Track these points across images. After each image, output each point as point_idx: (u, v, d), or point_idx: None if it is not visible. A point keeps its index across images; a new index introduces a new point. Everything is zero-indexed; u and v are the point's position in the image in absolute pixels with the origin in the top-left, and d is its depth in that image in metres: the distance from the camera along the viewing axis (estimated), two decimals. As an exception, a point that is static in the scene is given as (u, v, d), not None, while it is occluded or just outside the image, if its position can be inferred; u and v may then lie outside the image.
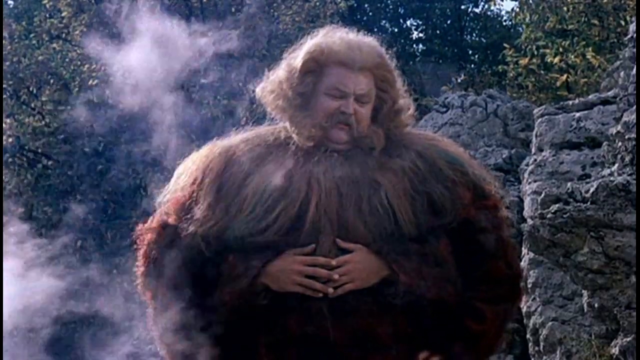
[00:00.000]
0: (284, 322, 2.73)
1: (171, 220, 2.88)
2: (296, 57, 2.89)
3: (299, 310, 2.71)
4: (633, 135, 6.20)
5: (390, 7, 22.24)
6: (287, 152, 2.85)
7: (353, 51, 2.85)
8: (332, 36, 2.89)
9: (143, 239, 2.93)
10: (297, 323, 2.72)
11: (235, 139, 2.94)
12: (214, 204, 2.80)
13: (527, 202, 7.36)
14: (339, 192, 2.77)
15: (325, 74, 2.85)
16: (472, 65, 20.60)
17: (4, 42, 14.38)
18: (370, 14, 21.94)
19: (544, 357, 7.08)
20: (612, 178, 6.13)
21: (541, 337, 7.12)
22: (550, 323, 7.07)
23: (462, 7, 21.93)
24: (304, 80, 2.86)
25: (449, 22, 21.99)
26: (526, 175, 7.55)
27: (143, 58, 3.15)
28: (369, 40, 2.91)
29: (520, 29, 15.83)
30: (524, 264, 7.42)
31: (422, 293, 2.73)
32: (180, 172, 2.93)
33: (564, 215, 6.18)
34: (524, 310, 7.37)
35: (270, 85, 2.92)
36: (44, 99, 14.59)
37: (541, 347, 7.12)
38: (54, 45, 15.54)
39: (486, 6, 21.83)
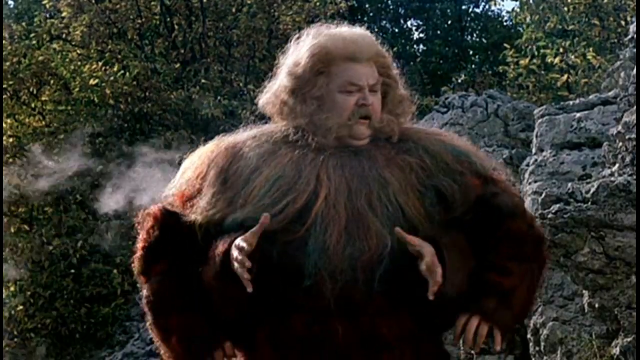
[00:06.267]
0: (288, 321, 2.71)
1: (175, 210, 2.88)
2: (298, 64, 2.87)
3: (305, 310, 2.69)
4: (633, 135, 6.20)
5: (391, 7, 22.24)
6: (296, 148, 2.84)
7: (355, 44, 2.85)
8: (327, 34, 2.88)
9: (143, 223, 2.93)
10: (302, 322, 2.69)
11: (241, 135, 2.93)
12: (217, 195, 2.80)
13: (527, 202, 7.34)
14: (348, 186, 2.76)
15: (334, 72, 2.84)
16: (473, 66, 20.60)
17: (4, 42, 14.37)
18: (371, 14, 21.95)
19: (545, 357, 7.07)
20: (612, 178, 6.12)
21: (542, 337, 7.11)
22: (550, 323, 7.07)
23: (463, 7, 21.94)
24: (317, 84, 2.84)
25: (449, 22, 21.99)
26: (527, 175, 7.54)
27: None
28: (361, 30, 2.92)
29: (520, 29, 15.85)
30: (524, 264, 7.41)
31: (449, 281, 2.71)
32: (186, 167, 2.93)
33: (565, 216, 6.18)
34: (524, 310, 7.36)
35: (276, 96, 2.90)
36: (44, 99, 14.58)
37: (542, 347, 7.11)
38: (54, 45, 15.55)
39: (487, 6, 21.86)
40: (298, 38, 2.93)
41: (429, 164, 2.83)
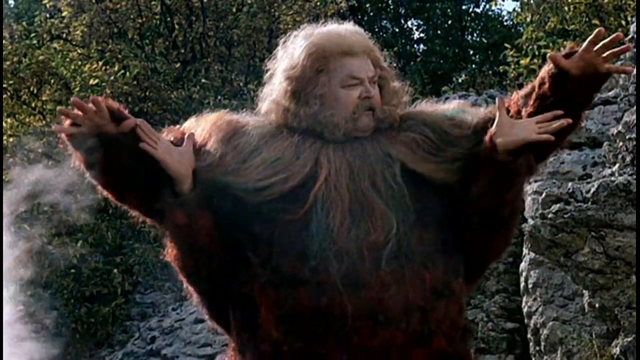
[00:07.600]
0: (295, 295, 2.68)
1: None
2: (294, 66, 2.88)
3: (311, 283, 2.67)
4: (634, 135, 6.20)
5: (391, 7, 22.23)
6: (297, 132, 2.86)
7: (349, 39, 2.88)
8: (318, 33, 2.90)
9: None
10: (308, 296, 2.67)
11: (246, 117, 2.96)
12: (215, 165, 2.79)
13: (528, 202, 7.35)
14: (350, 168, 2.78)
15: (332, 69, 2.85)
16: (473, 66, 20.58)
17: (4, 42, 14.37)
18: (371, 13, 21.94)
19: (545, 357, 7.07)
20: (612, 178, 6.12)
21: (542, 336, 7.11)
22: (551, 323, 7.06)
23: (464, 7, 21.93)
24: (319, 82, 2.86)
25: (449, 22, 21.99)
26: (527, 175, 7.52)
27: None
28: (351, 26, 2.94)
29: (521, 29, 15.82)
30: (524, 264, 7.41)
31: None
32: (190, 125, 2.93)
33: (565, 215, 6.18)
34: (524, 310, 7.36)
35: (276, 103, 2.91)
36: (44, 98, 14.58)
37: (542, 347, 7.11)
38: (55, 45, 15.54)
39: (487, 6, 21.85)
40: (285, 42, 2.97)
41: (432, 137, 2.87)
